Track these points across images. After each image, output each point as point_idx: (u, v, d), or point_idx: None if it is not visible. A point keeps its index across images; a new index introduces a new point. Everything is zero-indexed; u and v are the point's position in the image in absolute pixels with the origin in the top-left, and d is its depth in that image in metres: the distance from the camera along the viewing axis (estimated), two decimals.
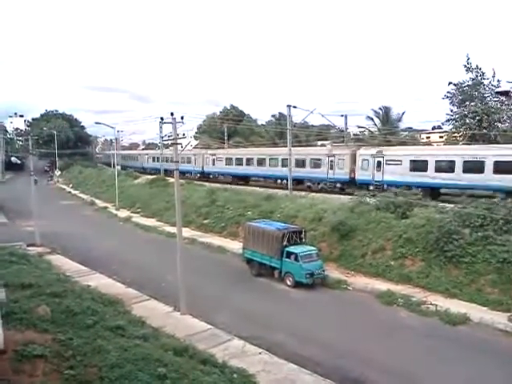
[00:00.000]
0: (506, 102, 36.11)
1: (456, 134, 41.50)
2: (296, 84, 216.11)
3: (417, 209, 26.19)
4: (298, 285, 23.20)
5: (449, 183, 31.91)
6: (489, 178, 29.02)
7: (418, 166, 32.99)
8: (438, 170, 31.80)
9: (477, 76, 38.48)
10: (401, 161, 34.28)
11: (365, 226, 26.42)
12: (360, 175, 37.35)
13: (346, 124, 51.53)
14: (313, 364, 15.09)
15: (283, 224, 26.83)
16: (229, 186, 47.01)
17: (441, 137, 58.98)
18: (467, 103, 38.59)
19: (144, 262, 28.04)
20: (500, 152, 28.85)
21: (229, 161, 53.44)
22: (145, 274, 25.36)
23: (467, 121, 38.17)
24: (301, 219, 29.81)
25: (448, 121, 41.18)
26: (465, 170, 30.43)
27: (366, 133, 56.79)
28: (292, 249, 23.77)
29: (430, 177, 31.75)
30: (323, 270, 23.78)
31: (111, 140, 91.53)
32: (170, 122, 20.58)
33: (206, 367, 13.05)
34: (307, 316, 19.70)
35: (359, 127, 60.14)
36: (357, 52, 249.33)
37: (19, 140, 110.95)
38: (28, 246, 30.82)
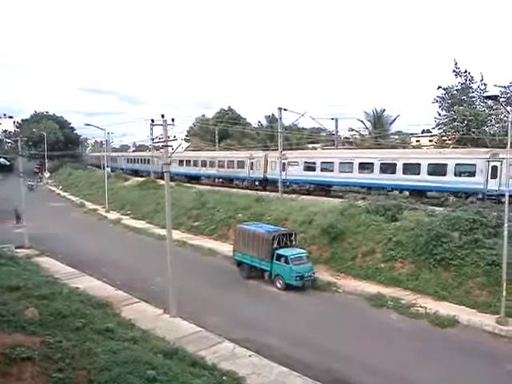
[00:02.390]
0: (495, 107, 36.42)
1: (445, 138, 41.80)
2: (287, 87, 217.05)
3: (406, 212, 26.36)
4: (288, 287, 23.21)
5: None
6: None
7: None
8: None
9: (466, 80, 38.87)
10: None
11: (355, 228, 26.51)
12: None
13: (337, 127, 51.75)
14: (303, 366, 15.09)
15: (273, 226, 26.88)
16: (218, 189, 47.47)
17: (430, 140, 59.30)
18: (456, 107, 38.92)
19: (134, 265, 27.92)
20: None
21: None
22: (134, 277, 25.26)
23: (456, 124, 38.48)
24: (291, 222, 29.86)
25: (438, 125, 41.49)
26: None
27: (357, 136, 57.02)
28: (282, 251, 23.78)
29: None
30: (313, 273, 23.81)
31: (101, 142, 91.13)
32: (161, 124, 20.53)
33: (196, 370, 12.98)
34: (297, 318, 19.72)
35: (351, 130, 60.27)
36: (348, 56, 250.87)
37: (8, 141, 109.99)
38: (16, 247, 30.51)
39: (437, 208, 27.13)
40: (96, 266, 27.30)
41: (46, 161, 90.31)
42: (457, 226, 23.00)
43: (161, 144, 21.37)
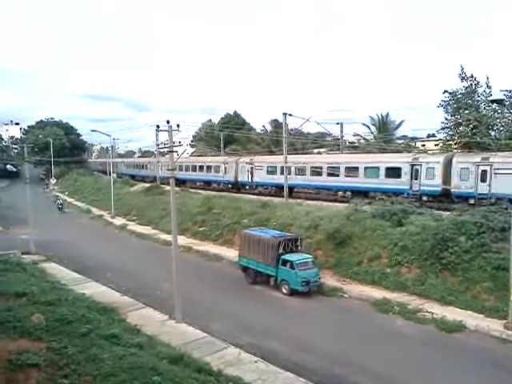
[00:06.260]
0: (500, 110, 36.25)
1: (451, 142, 41.66)
2: (292, 92, 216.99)
3: (413, 216, 26.24)
4: (293, 293, 23.11)
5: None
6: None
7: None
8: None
9: (471, 85, 38.75)
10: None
11: (360, 233, 26.41)
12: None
13: (342, 132, 51.64)
14: (309, 372, 15.00)
15: (279, 232, 26.82)
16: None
17: (436, 145, 59.21)
18: (461, 111, 38.78)
19: (139, 270, 27.95)
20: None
21: None
22: (140, 282, 25.28)
23: (461, 129, 38.34)
24: (297, 227, 29.73)
25: (443, 129, 41.38)
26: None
27: (363, 141, 56.91)
28: (288, 256, 23.70)
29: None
30: (319, 278, 23.71)
31: (107, 148, 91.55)
32: (166, 130, 20.59)
33: (202, 375, 12.94)
34: (303, 324, 19.64)
35: (355, 135, 60.13)
36: (353, 61, 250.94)
37: (15, 148, 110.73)
38: (23, 253, 30.74)
39: (443, 212, 27.02)
40: (102, 272, 27.36)
41: (52, 167, 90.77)
42: (463, 230, 22.87)
43: (166, 150, 21.45)
